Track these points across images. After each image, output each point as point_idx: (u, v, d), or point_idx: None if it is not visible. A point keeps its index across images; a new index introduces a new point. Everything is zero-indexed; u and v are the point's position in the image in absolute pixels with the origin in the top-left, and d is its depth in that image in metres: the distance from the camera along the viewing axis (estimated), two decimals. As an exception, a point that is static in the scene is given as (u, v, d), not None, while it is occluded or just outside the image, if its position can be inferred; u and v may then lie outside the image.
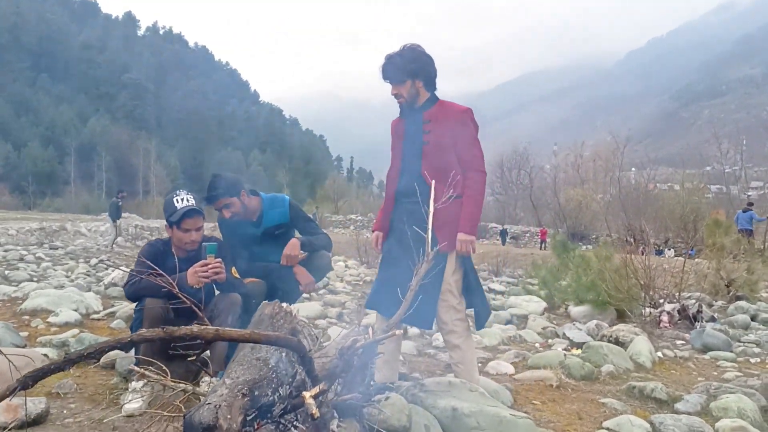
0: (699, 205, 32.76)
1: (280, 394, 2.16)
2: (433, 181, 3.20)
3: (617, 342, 5.60)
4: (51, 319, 4.88)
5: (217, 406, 1.98)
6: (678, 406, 3.85)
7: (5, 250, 13.22)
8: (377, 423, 2.53)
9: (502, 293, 10.30)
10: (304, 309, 5.74)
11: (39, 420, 2.80)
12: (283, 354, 2.27)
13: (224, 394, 2.05)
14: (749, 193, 62.60)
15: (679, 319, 6.75)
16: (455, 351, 3.52)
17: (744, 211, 19.87)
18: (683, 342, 6.05)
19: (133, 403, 2.82)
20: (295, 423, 2.17)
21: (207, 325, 3.10)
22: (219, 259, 3.27)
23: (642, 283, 7.09)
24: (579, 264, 8.07)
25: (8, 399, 1.82)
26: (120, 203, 20.30)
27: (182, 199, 3.44)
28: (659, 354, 5.46)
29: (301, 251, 4.05)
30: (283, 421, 2.15)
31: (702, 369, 5.13)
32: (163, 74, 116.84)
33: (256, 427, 2.07)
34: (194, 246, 3.41)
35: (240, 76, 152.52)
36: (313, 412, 2.01)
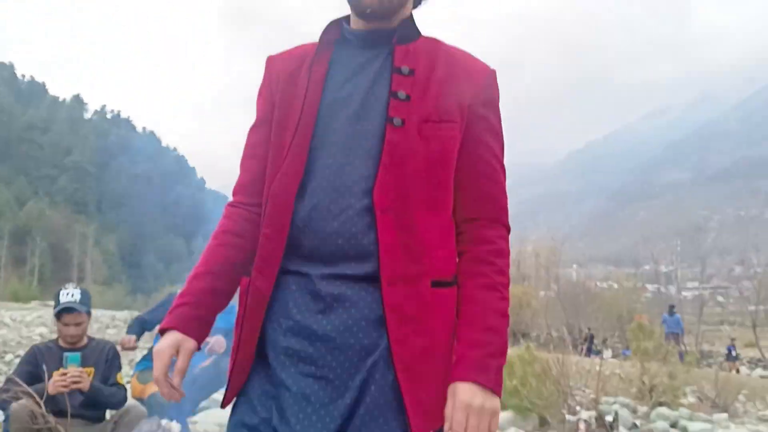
0: (636, 305, 33.34)
1: None
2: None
3: (530, 454, 5.42)
4: None
5: None
6: None
7: None
8: None
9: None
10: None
11: None
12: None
13: None
14: (684, 294, 64.64)
15: (596, 428, 6.62)
16: None
17: (670, 315, 20.11)
18: (598, 453, 5.91)
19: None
20: None
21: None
22: (80, 369, 3.29)
23: (558, 389, 6.97)
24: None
25: None
26: None
27: (68, 293, 3.49)
28: (570, 467, 5.28)
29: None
30: None
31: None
32: (108, 158, 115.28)
33: None
34: (75, 340, 3.53)
35: (187, 162, 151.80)
36: None
